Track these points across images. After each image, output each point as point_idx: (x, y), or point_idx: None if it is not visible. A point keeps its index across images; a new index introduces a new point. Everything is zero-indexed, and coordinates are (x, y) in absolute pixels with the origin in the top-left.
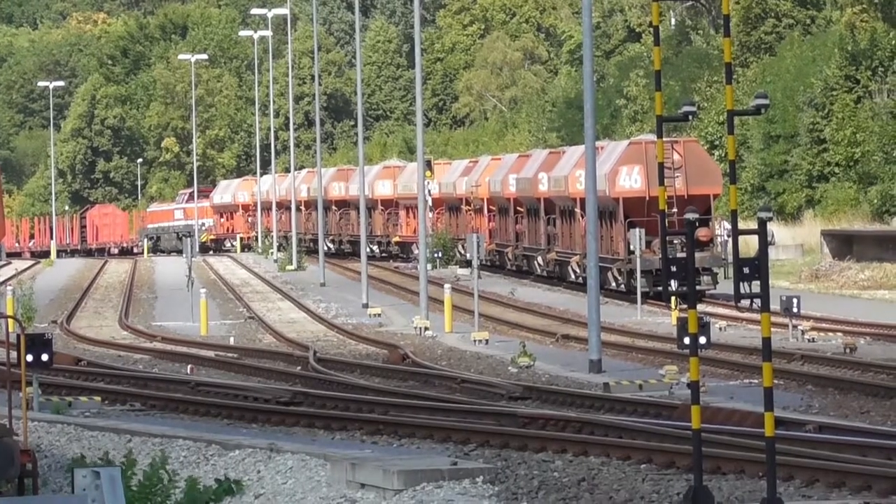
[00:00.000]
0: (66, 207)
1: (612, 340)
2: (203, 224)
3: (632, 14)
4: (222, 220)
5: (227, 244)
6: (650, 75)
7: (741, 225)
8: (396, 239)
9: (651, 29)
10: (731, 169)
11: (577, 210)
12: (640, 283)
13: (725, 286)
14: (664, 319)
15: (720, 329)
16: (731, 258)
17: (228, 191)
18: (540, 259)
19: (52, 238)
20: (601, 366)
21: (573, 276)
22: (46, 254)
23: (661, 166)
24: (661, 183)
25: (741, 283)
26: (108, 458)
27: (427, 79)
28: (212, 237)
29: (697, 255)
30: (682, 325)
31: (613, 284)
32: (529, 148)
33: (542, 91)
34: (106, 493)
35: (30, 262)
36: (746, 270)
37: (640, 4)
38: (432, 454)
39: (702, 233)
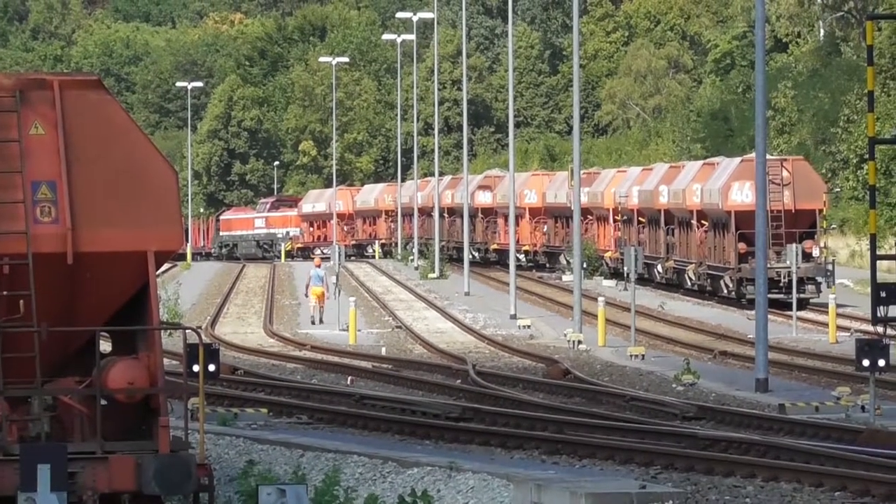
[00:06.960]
0: (202, 210)
1: (771, 358)
2: (288, 233)
3: (779, 25)
4: (311, 228)
5: (318, 251)
6: (798, 86)
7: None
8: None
9: (798, 40)
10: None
11: (694, 221)
12: (795, 298)
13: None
14: (820, 337)
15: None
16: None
17: (322, 199)
18: (659, 267)
19: (187, 241)
20: (768, 385)
21: (689, 284)
22: (182, 256)
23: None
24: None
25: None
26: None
27: (568, 86)
28: (298, 245)
29: (803, 265)
30: (861, 346)
31: (725, 291)
32: (674, 159)
33: (686, 100)
34: None
35: (167, 265)
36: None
37: (788, 15)
38: (618, 476)
39: (808, 245)
